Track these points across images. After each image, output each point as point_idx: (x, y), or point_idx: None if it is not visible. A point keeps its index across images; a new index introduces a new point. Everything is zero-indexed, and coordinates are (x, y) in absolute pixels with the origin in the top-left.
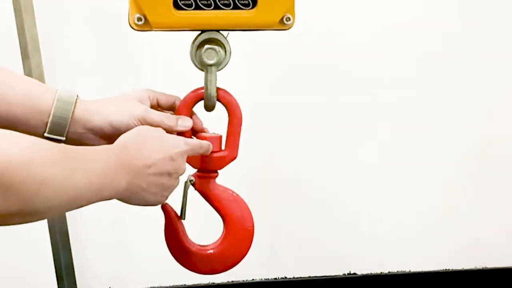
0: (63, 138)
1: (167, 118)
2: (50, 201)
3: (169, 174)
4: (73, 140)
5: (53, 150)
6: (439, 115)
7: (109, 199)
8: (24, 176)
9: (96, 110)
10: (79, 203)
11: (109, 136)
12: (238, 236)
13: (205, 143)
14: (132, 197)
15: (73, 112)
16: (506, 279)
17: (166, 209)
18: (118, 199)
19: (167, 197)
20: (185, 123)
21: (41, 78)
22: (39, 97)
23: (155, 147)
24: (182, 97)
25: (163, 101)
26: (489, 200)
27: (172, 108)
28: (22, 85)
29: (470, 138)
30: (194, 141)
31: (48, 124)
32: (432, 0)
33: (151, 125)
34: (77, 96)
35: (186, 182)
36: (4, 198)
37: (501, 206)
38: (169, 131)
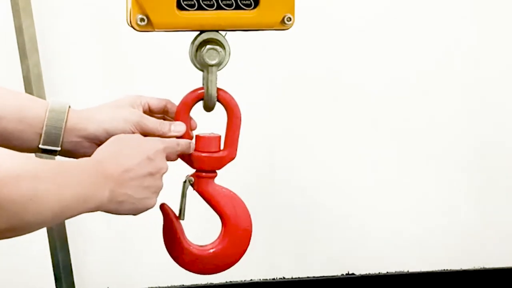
0: (59, 148)
1: (161, 124)
2: (39, 216)
3: (151, 175)
4: (69, 149)
5: (40, 165)
6: (439, 115)
7: (95, 210)
8: (13, 193)
9: (89, 118)
10: (66, 215)
11: (104, 143)
12: (236, 236)
13: (183, 141)
14: (120, 206)
15: (66, 122)
16: (505, 279)
17: (164, 209)
18: (107, 211)
19: (155, 199)
20: (177, 128)
21: (39, 79)
22: (31, 109)
23: (131, 152)
24: (178, 99)
25: (154, 105)
26: (488, 200)
27: (164, 112)
28: (13, 98)
29: (470, 138)
30: (170, 139)
31: (42, 135)
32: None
33: (146, 131)
34: (69, 106)
35: (185, 182)
36: None
37: (499, 206)
38: (163, 137)
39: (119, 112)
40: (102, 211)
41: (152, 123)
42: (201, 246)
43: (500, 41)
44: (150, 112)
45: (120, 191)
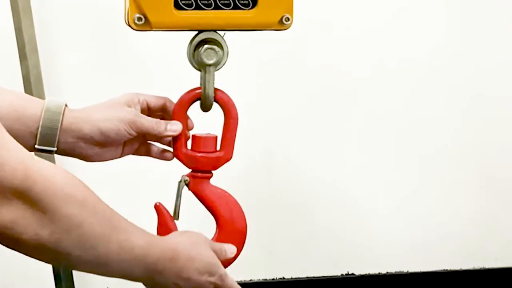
0: (54, 149)
1: (157, 123)
2: (75, 247)
3: None
4: (65, 150)
5: (105, 206)
6: (439, 116)
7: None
8: (70, 210)
9: (85, 118)
10: (100, 269)
11: (100, 143)
12: (231, 237)
13: (228, 249)
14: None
15: (61, 122)
16: (504, 279)
17: (159, 209)
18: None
19: None
20: (174, 127)
21: (38, 79)
22: (26, 109)
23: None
24: (176, 98)
25: (153, 103)
26: (487, 200)
27: (162, 110)
28: (8, 97)
29: (469, 138)
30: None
31: (38, 136)
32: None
33: (142, 130)
34: (66, 105)
35: (180, 182)
36: (40, 221)
37: (499, 206)
38: (159, 136)
39: (114, 111)
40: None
41: (148, 122)
42: None
43: (499, 44)
44: (148, 110)
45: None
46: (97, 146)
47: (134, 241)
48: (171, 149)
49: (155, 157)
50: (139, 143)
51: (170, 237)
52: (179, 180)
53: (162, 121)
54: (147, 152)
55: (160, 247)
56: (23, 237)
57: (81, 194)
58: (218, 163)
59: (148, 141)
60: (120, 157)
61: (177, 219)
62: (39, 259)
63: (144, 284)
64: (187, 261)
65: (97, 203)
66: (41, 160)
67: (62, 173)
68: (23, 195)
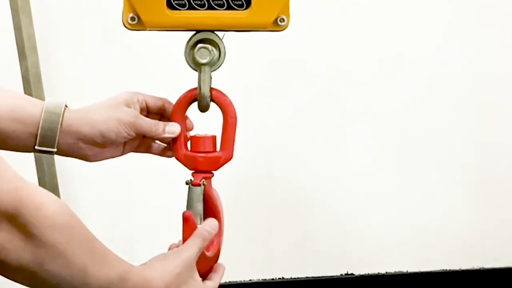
0: (54, 150)
1: (155, 125)
2: (55, 275)
3: None
4: (65, 150)
5: (90, 235)
6: (439, 116)
7: None
8: (56, 238)
9: (84, 119)
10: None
11: (100, 143)
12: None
13: (212, 227)
14: None
15: (61, 123)
16: (503, 279)
17: (189, 219)
18: None
19: None
20: (172, 129)
21: (38, 78)
22: (26, 109)
23: None
24: (174, 99)
25: (152, 103)
26: (486, 200)
27: (161, 111)
28: (7, 98)
29: (469, 139)
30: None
31: (38, 137)
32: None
33: (140, 131)
34: (66, 105)
35: (200, 186)
36: (25, 245)
37: (499, 206)
38: (157, 137)
39: (114, 112)
40: None
41: (147, 123)
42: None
43: (501, 45)
44: (147, 110)
45: None
46: (97, 147)
47: (112, 277)
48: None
49: (156, 154)
50: (139, 140)
51: (150, 265)
52: (198, 183)
53: (161, 123)
54: (148, 149)
55: (136, 277)
56: (7, 259)
57: (68, 224)
58: (218, 163)
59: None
60: (121, 155)
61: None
62: (22, 283)
63: None
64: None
65: (83, 234)
66: (33, 186)
67: (54, 202)
68: (12, 219)
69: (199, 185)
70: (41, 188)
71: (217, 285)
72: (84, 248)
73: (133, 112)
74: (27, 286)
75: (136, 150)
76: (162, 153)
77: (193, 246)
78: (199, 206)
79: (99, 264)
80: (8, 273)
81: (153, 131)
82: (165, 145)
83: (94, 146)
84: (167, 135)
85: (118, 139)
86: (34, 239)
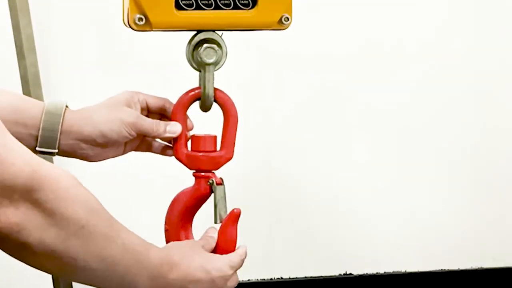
0: (56, 151)
1: (156, 125)
2: (81, 249)
3: None
4: (67, 151)
5: (105, 209)
6: (438, 115)
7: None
8: (75, 211)
9: (85, 119)
10: (105, 275)
11: (101, 144)
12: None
13: (242, 253)
14: None
15: (62, 124)
16: (502, 279)
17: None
18: None
19: None
20: (173, 128)
21: (36, 78)
22: (27, 111)
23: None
24: (175, 99)
25: (152, 103)
26: (486, 199)
27: (162, 111)
28: (8, 99)
29: (469, 138)
30: (237, 259)
31: (39, 138)
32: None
33: (142, 132)
34: (66, 106)
35: (222, 185)
36: (46, 223)
37: (498, 206)
38: (158, 137)
39: (115, 113)
40: None
41: (148, 124)
42: None
43: (502, 43)
44: (147, 110)
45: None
46: (98, 147)
47: (135, 243)
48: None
49: (156, 153)
50: (140, 140)
51: (165, 246)
52: (220, 183)
53: (162, 122)
54: (148, 148)
55: (160, 252)
56: (29, 240)
57: (85, 196)
58: (219, 162)
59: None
60: (122, 154)
61: (216, 222)
62: (46, 269)
63: None
64: (190, 262)
65: (99, 205)
66: (46, 162)
67: (67, 175)
68: (29, 196)
69: (222, 183)
70: (52, 164)
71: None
72: (103, 219)
73: (134, 113)
74: (53, 270)
75: (137, 149)
76: (163, 152)
77: (236, 259)
78: (226, 204)
79: (120, 233)
80: (31, 257)
81: (154, 131)
82: (166, 143)
83: (95, 147)
84: (168, 134)
85: (119, 139)
86: (54, 214)
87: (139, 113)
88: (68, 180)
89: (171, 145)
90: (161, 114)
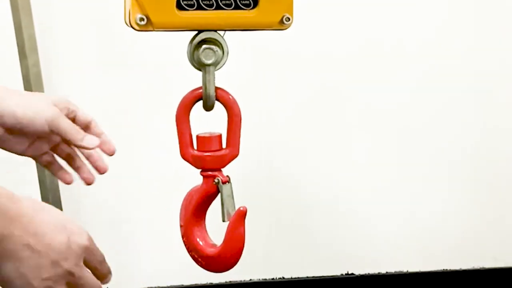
0: None
1: (77, 130)
2: None
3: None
4: None
5: None
6: (438, 115)
7: None
8: None
9: (5, 95)
10: None
11: (10, 128)
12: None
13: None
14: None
15: None
16: (503, 279)
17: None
18: None
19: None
20: (91, 141)
21: (38, 78)
22: None
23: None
24: (177, 99)
25: (80, 117)
26: (486, 199)
27: (87, 128)
28: None
29: (469, 138)
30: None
31: None
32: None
33: (59, 130)
34: None
35: (229, 183)
36: None
37: (498, 206)
38: (74, 143)
39: (36, 102)
40: None
41: (68, 124)
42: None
43: (502, 44)
44: (73, 121)
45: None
46: (6, 131)
47: None
48: (72, 171)
49: (53, 174)
50: (47, 150)
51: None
52: (227, 181)
53: (82, 131)
54: (49, 165)
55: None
56: None
57: None
58: (225, 160)
59: (55, 155)
60: (20, 154)
61: (224, 220)
62: None
63: None
64: (37, 214)
65: None
66: None
67: None
68: None
69: (228, 181)
70: None
71: None
72: None
73: (57, 110)
74: None
75: (40, 157)
76: (60, 174)
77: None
78: (233, 202)
79: None
80: None
81: (72, 134)
82: (65, 168)
83: (6, 133)
84: (84, 143)
85: (29, 129)
86: None
87: (62, 114)
88: None
89: (71, 171)
90: (86, 131)
